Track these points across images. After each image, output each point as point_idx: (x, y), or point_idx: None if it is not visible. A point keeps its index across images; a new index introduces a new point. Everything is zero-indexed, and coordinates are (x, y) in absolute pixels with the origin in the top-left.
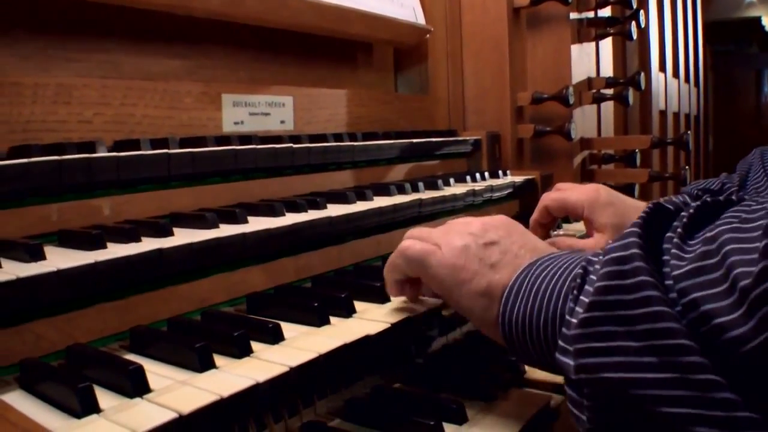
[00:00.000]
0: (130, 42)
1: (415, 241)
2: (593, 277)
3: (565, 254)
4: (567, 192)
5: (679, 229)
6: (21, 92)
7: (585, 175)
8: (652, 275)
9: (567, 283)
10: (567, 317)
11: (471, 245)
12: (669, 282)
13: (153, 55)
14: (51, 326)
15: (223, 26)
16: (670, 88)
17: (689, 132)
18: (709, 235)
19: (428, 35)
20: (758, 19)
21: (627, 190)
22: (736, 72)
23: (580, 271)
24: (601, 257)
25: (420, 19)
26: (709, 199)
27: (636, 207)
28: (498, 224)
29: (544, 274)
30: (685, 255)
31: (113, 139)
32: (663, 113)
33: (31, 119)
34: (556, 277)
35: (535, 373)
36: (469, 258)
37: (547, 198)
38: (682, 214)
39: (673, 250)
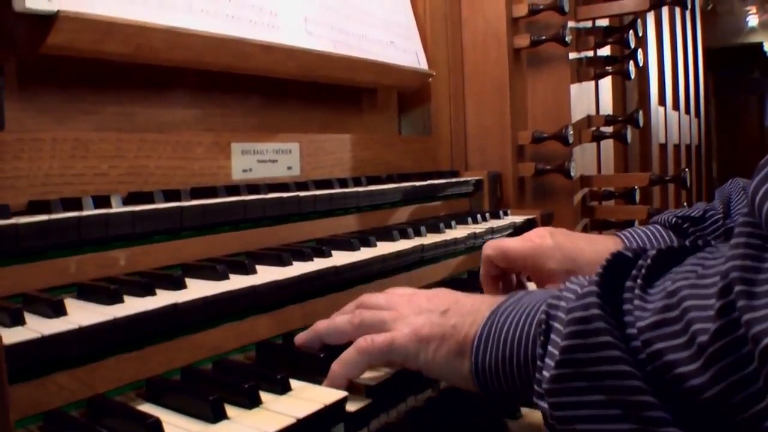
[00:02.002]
0: (144, 94)
1: (370, 338)
2: (559, 327)
3: (524, 297)
4: (508, 240)
5: (638, 279)
6: (40, 147)
7: (585, 212)
8: (612, 333)
9: (533, 328)
10: (538, 362)
11: (430, 316)
12: (633, 331)
13: (165, 106)
14: (72, 377)
15: (233, 76)
16: (670, 121)
17: (687, 169)
18: (669, 288)
19: (431, 79)
20: (760, 45)
21: (626, 226)
22: (738, 98)
23: (543, 316)
24: (562, 303)
25: (423, 64)
26: (663, 248)
27: (590, 244)
28: (442, 295)
29: (509, 321)
30: (648, 305)
31: (128, 191)
32: (663, 146)
33: (49, 173)
34: (522, 322)
35: None
36: (432, 328)
37: (488, 247)
38: (640, 263)
39: (636, 301)
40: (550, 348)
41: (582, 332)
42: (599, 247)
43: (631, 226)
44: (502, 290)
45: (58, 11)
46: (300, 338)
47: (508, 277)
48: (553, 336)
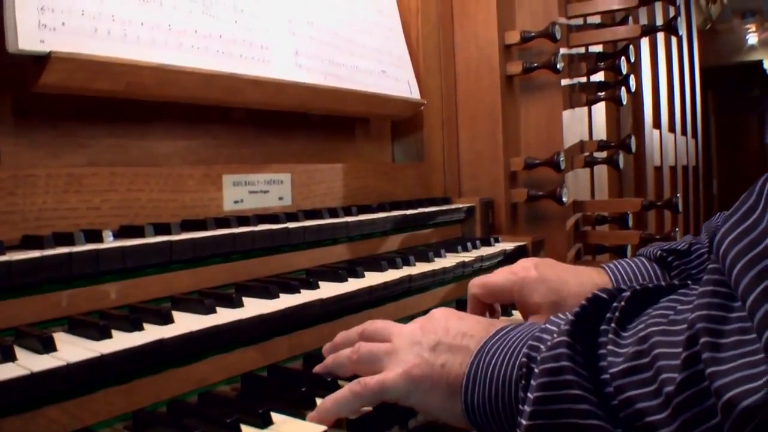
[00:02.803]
0: (136, 126)
1: (364, 381)
2: (535, 373)
3: (510, 332)
4: (492, 275)
5: (613, 323)
6: (35, 183)
7: (578, 237)
8: (582, 385)
9: (515, 371)
10: (520, 406)
11: (421, 352)
12: (605, 376)
13: (158, 138)
14: (61, 410)
15: (225, 109)
16: (665, 143)
17: (678, 195)
18: (641, 334)
19: (423, 107)
20: (760, 63)
21: (619, 251)
22: (738, 115)
23: (524, 359)
24: (542, 345)
25: (415, 93)
26: (638, 287)
27: (575, 277)
28: (435, 317)
29: (494, 360)
30: (620, 350)
31: (119, 224)
32: (658, 169)
33: (43, 207)
34: (505, 363)
35: None
36: (422, 369)
37: (472, 285)
38: (615, 305)
39: (610, 345)
40: (528, 394)
41: (552, 384)
42: (584, 279)
43: (625, 251)
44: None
45: (50, 52)
46: (316, 369)
47: (494, 308)
48: (531, 381)
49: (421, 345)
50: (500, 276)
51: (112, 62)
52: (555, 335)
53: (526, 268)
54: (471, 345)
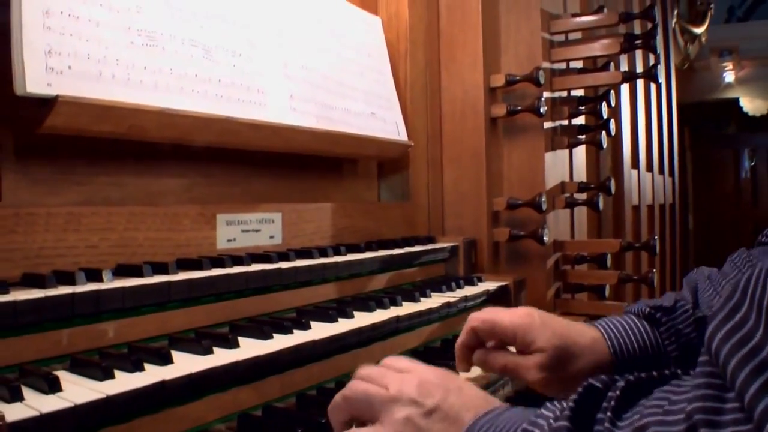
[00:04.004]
0: (133, 165)
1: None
2: None
3: (502, 415)
4: (499, 313)
5: (608, 412)
6: (35, 221)
7: (558, 276)
8: None
9: None
10: None
11: (414, 417)
12: None
13: (154, 176)
14: None
15: (220, 150)
16: (643, 182)
17: (656, 237)
18: (638, 425)
19: (410, 148)
20: (736, 100)
21: (598, 290)
22: (715, 151)
23: None
24: (536, 430)
25: (402, 134)
26: (632, 377)
27: (574, 327)
28: (435, 383)
29: None
30: None
31: (117, 262)
32: (636, 208)
33: (43, 245)
34: None
35: None
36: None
37: (476, 318)
38: (610, 394)
39: None
40: None
41: None
42: (582, 331)
43: (603, 291)
44: (475, 361)
45: (57, 96)
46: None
47: (483, 347)
48: None
49: (418, 405)
50: (506, 317)
51: (116, 106)
52: (552, 421)
53: (530, 314)
54: (466, 419)
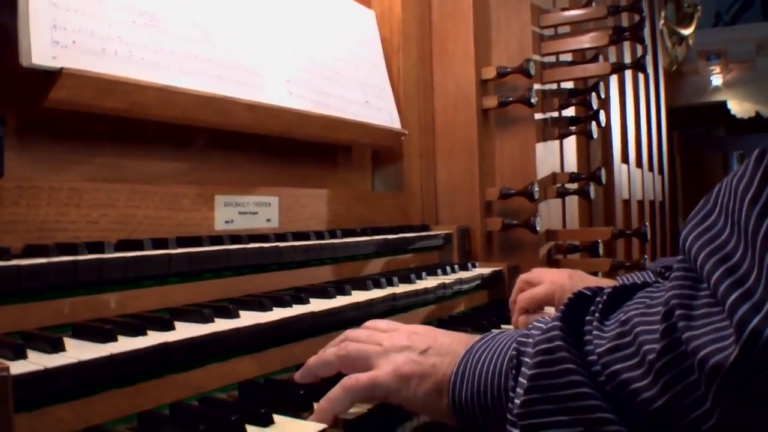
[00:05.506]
0: (131, 147)
1: (355, 377)
2: (527, 360)
3: (497, 336)
4: (534, 290)
5: (596, 314)
6: (38, 195)
7: (551, 265)
8: (574, 360)
9: (505, 363)
10: (511, 394)
11: (411, 355)
12: (593, 357)
13: (152, 158)
14: (69, 410)
15: (218, 132)
16: (633, 178)
17: (647, 224)
18: (622, 317)
19: (403, 137)
20: (724, 103)
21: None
22: (703, 155)
23: (514, 352)
24: (530, 340)
25: (396, 123)
26: (618, 285)
27: (603, 283)
28: (422, 332)
29: (483, 357)
30: (605, 334)
31: (117, 238)
32: (626, 202)
33: (46, 219)
34: (494, 358)
35: None
36: (412, 367)
37: (522, 300)
38: (598, 299)
39: (594, 331)
40: (520, 379)
41: (547, 361)
42: (606, 283)
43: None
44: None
45: (62, 68)
46: (297, 375)
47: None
48: (522, 368)
49: (411, 349)
50: (541, 288)
51: (119, 81)
52: (545, 325)
53: (561, 276)
54: (459, 349)
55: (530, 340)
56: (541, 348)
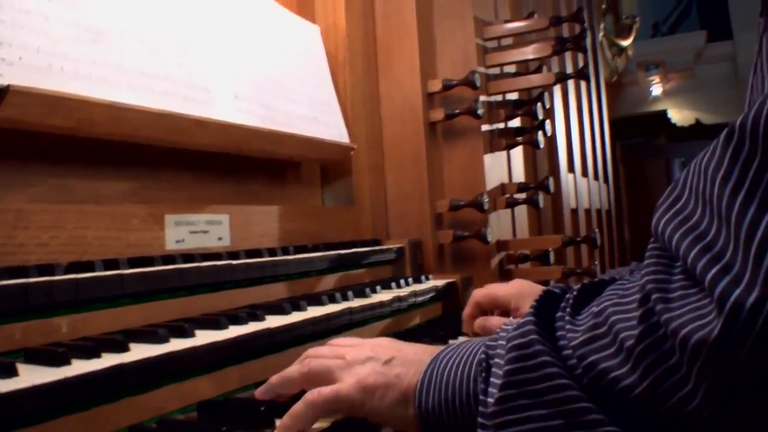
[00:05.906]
0: (80, 166)
1: (317, 391)
2: (499, 360)
3: (463, 344)
4: (496, 287)
5: (567, 309)
6: None
7: (503, 275)
8: (550, 353)
9: (473, 368)
10: (481, 397)
11: (375, 366)
12: (567, 351)
13: (102, 178)
14: None
15: (167, 151)
16: (580, 187)
17: (597, 230)
18: (595, 310)
19: (352, 152)
20: (664, 112)
21: (544, 285)
22: (646, 163)
23: (483, 356)
24: (500, 342)
25: (344, 138)
26: (587, 281)
27: None
28: (385, 344)
29: (450, 364)
30: (578, 327)
31: (68, 261)
32: (574, 211)
33: None
34: (462, 364)
35: None
36: (376, 378)
37: (478, 294)
38: (567, 296)
39: (567, 326)
40: (492, 379)
41: (522, 356)
42: None
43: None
44: (477, 328)
45: (8, 85)
46: (258, 392)
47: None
48: (493, 369)
49: (375, 360)
50: (501, 289)
51: (66, 97)
52: (517, 324)
53: (521, 283)
54: (424, 358)
55: (500, 342)
56: (515, 344)
